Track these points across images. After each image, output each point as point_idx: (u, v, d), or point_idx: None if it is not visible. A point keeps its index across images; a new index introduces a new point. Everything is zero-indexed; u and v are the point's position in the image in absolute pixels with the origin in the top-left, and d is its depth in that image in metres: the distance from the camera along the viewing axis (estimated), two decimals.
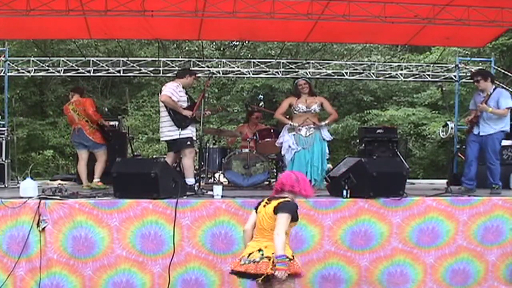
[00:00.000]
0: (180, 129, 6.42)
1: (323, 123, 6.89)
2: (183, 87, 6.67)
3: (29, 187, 5.59)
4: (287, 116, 7.06)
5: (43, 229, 5.08)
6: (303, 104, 6.86)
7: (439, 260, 5.66)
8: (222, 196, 5.68)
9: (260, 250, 3.95)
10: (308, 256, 5.42)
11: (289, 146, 6.83)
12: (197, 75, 6.98)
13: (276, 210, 3.99)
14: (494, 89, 6.75)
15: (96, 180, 7.47)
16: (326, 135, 6.90)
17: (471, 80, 7.33)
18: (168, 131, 6.52)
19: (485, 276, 5.76)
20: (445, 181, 8.04)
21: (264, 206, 4.12)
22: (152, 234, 5.24)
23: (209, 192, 6.02)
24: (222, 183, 7.59)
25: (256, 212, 4.18)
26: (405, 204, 5.64)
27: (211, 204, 5.41)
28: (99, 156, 7.59)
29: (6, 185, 7.99)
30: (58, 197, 5.46)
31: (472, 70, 11.31)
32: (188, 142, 6.49)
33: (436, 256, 5.66)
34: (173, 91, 6.47)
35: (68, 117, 7.92)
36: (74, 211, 5.17)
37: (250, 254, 3.98)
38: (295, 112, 6.92)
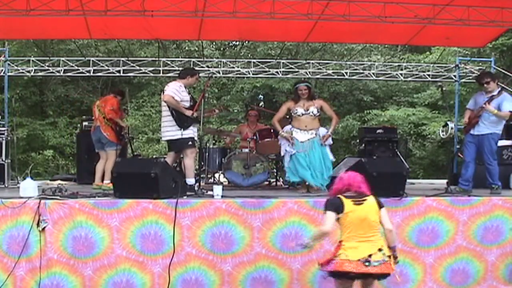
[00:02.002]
0: (182, 129, 6.42)
1: (327, 137, 6.82)
2: (185, 87, 6.68)
3: (29, 187, 5.60)
4: (287, 117, 7.07)
5: (43, 229, 5.08)
6: (301, 108, 6.86)
7: (439, 260, 5.67)
8: (222, 196, 5.69)
9: (380, 249, 4.14)
10: (308, 255, 5.42)
11: (286, 150, 6.84)
12: (199, 74, 6.93)
13: (379, 205, 4.29)
14: (499, 92, 6.74)
15: (106, 181, 7.41)
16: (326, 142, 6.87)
17: (477, 81, 7.27)
18: (170, 131, 6.52)
19: (485, 276, 5.77)
20: (445, 181, 8.04)
21: (357, 204, 4.19)
22: (152, 234, 5.25)
23: (209, 192, 6.03)
24: (222, 183, 7.60)
25: (341, 212, 4.17)
26: (405, 204, 5.65)
27: (211, 204, 5.41)
28: (110, 156, 7.54)
29: (6, 185, 7.99)
30: (58, 197, 5.46)
31: (473, 70, 11.33)
32: (190, 142, 6.49)
33: (436, 256, 5.66)
34: (176, 91, 6.47)
35: (93, 114, 7.95)
36: (74, 211, 5.17)
37: (370, 255, 4.08)
38: (293, 115, 6.93)
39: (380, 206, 4.31)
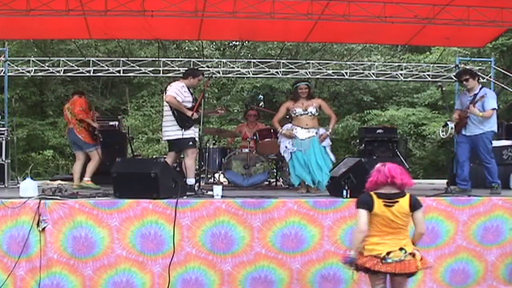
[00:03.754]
0: (183, 129, 6.43)
1: (325, 137, 6.80)
2: (187, 88, 6.68)
3: (29, 187, 5.59)
4: (287, 117, 7.07)
5: (43, 229, 5.08)
6: (300, 108, 6.85)
7: (439, 260, 5.66)
8: (222, 196, 5.68)
9: (401, 249, 3.97)
10: (307, 256, 5.42)
11: (286, 147, 6.84)
12: (200, 76, 6.90)
13: (413, 208, 4.03)
14: (480, 89, 6.73)
15: (86, 179, 7.41)
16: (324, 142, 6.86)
17: (456, 78, 7.26)
18: (171, 130, 6.52)
19: (485, 276, 5.76)
20: (445, 181, 8.04)
21: (388, 205, 4.00)
22: (152, 234, 5.25)
23: (209, 192, 6.02)
24: (222, 183, 7.61)
25: (371, 211, 4.00)
26: None
27: (211, 204, 5.41)
28: (92, 156, 7.57)
29: (6, 185, 7.98)
30: (58, 197, 5.45)
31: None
32: (191, 143, 6.49)
33: (436, 256, 5.65)
34: (178, 91, 6.47)
35: (64, 118, 7.95)
36: (74, 211, 5.17)
37: (389, 253, 3.95)
38: (293, 115, 6.92)
39: (415, 208, 4.04)
